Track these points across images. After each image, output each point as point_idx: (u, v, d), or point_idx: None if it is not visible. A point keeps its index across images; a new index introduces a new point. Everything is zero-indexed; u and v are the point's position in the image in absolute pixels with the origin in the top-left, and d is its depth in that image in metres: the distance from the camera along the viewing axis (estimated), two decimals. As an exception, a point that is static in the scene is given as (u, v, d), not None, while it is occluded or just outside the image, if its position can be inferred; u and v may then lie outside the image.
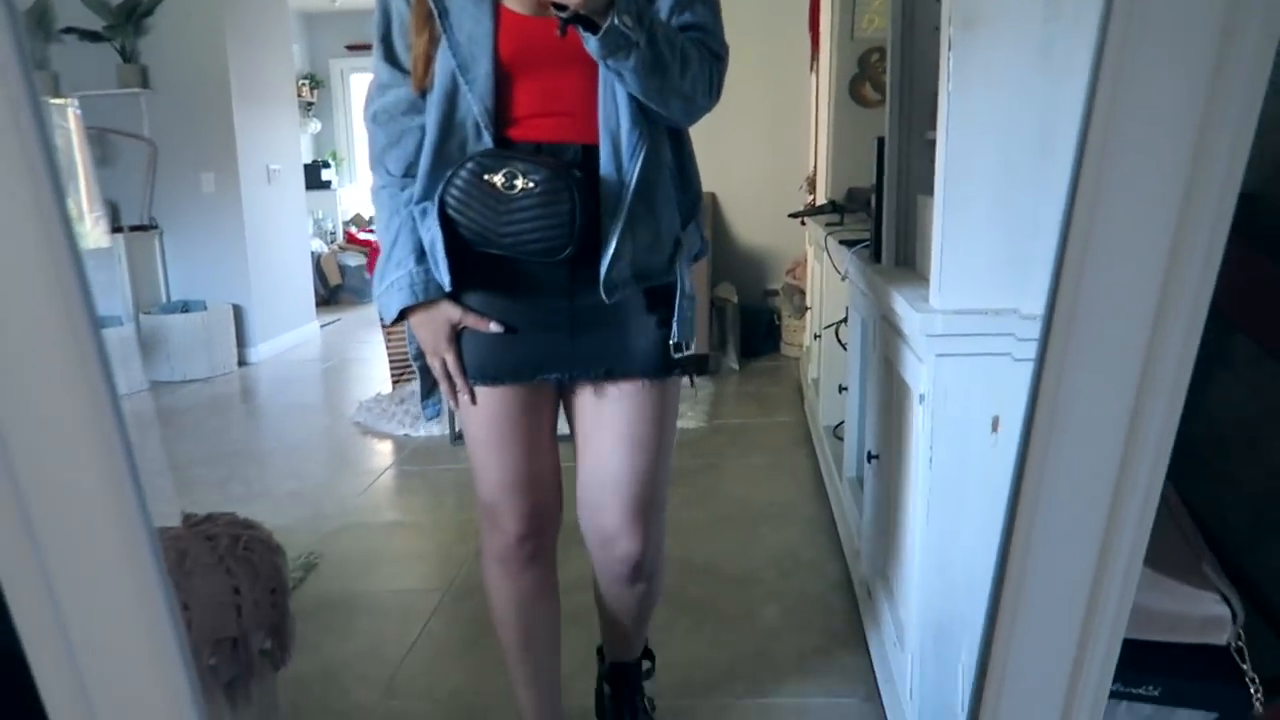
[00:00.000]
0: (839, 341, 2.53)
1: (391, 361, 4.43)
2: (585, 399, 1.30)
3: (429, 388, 1.33)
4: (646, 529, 1.33)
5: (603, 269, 1.17)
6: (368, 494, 3.09)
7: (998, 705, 0.74)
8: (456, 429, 3.60)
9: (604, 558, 1.37)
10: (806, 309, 3.82)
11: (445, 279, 1.20)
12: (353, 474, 3.35)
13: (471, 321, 1.22)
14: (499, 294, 1.22)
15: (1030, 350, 1.17)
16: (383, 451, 3.56)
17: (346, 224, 7.98)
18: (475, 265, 1.20)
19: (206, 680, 1.24)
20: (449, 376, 1.27)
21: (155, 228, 4.95)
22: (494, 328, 1.22)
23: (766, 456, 3.25)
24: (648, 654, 1.65)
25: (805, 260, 3.95)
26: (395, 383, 4.39)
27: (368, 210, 8.38)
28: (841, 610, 2.12)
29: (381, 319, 1.33)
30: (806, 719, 1.74)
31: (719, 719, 1.75)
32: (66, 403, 0.61)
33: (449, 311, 1.23)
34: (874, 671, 1.83)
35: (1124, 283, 0.63)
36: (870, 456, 1.79)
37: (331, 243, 7.61)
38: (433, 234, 1.19)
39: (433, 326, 1.24)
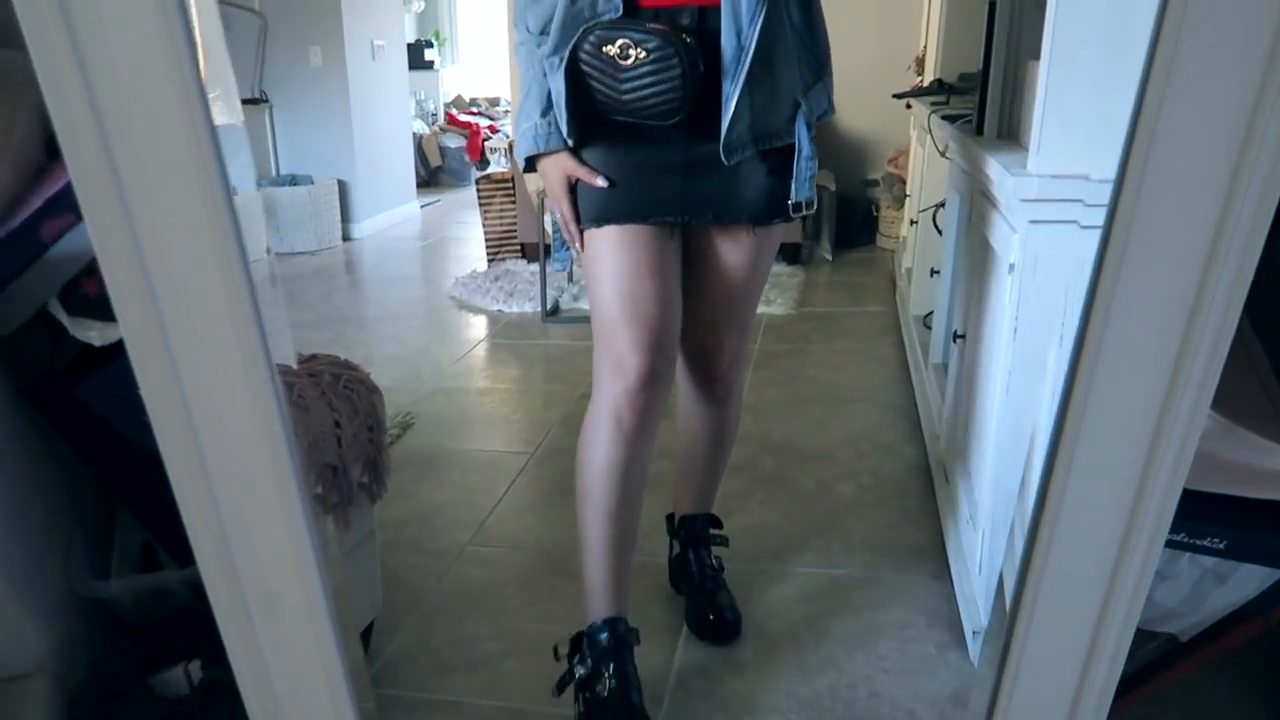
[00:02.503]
0: (935, 226, 2.47)
1: (488, 241, 4.52)
2: (695, 239, 1.39)
3: (561, 242, 1.43)
4: (736, 347, 1.50)
5: (723, 131, 1.22)
6: (462, 362, 3.22)
7: (1050, 546, 0.76)
8: (548, 306, 3.68)
9: (694, 373, 1.53)
10: (906, 197, 3.71)
11: (565, 129, 1.27)
12: (449, 343, 3.48)
13: (583, 175, 1.29)
14: (619, 149, 1.29)
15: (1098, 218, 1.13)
16: (477, 324, 3.68)
17: (448, 105, 8.02)
18: (600, 124, 1.27)
19: (314, 505, 1.34)
20: (567, 224, 1.35)
21: (265, 101, 5.08)
22: (600, 183, 1.28)
23: (853, 343, 3.24)
24: (716, 523, 1.72)
25: (908, 148, 3.81)
26: (491, 261, 4.49)
27: (469, 92, 8.40)
28: (917, 492, 2.14)
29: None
30: (874, 592, 1.78)
31: (788, 585, 1.80)
32: (204, 257, 0.67)
33: (565, 163, 1.30)
34: (945, 551, 1.86)
35: (1203, 121, 0.61)
36: (956, 336, 1.77)
37: (433, 124, 7.68)
38: (559, 88, 1.25)
39: (551, 175, 1.32)
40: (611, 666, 1.36)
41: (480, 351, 3.36)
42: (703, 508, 1.68)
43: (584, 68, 1.22)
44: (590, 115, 1.27)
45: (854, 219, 4.57)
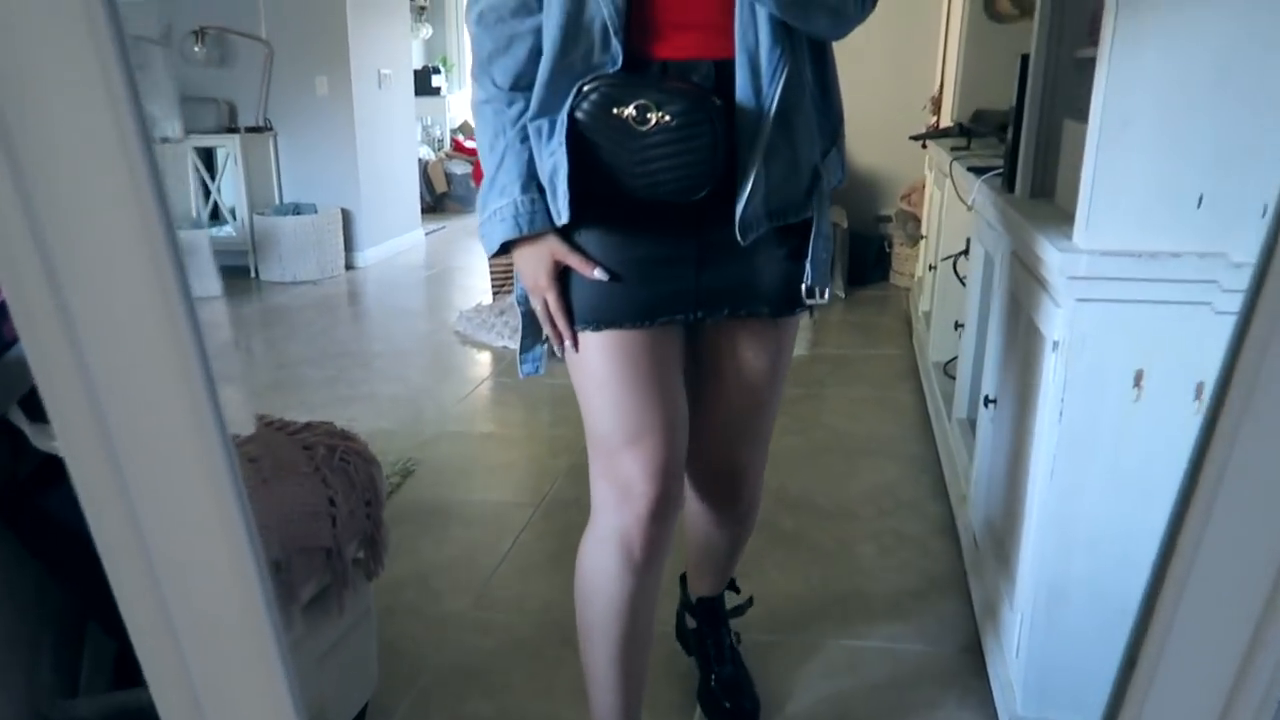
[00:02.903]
0: (956, 275, 2.38)
1: (493, 273, 4.45)
2: (707, 336, 1.21)
3: (531, 339, 1.19)
4: (759, 463, 1.34)
5: (739, 207, 1.04)
6: (466, 403, 3.13)
7: (1145, 701, 0.66)
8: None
9: (711, 487, 1.36)
10: (921, 238, 3.63)
11: (564, 211, 1.05)
12: (452, 382, 3.39)
13: (575, 263, 1.08)
14: (618, 231, 1.08)
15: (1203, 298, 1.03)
16: (481, 362, 3.60)
17: (454, 131, 7.98)
18: (595, 202, 1.06)
19: (285, 591, 1.21)
20: (552, 320, 1.12)
21: (270, 129, 5.03)
22: (598, 275, 1.07)
23: (869, 389, 3.14)
24: (734, 588, 1.63)
25: (923, 186, 3.74)
26: (495, 294, 4.41)
27: (475, 118, 8.36)
28: (942, 555, 2.04)
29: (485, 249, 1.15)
30: (900, 666, 1.69)
31: (808, 658, 1.71)
32: (144, 309, 0.58)
33: (554, 247, 1.08)
34: (974, 621, 1.76)
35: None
36: (987, 401, 1.68)
37: (439, 150, 7.64)
38: (556, 159, 1.04)
39: (534, 263, 1.09)
40: None
41: (484, 391, 3.27)
42: (720, 587, 1.58)
43: (583, 132, 1.01)
44: (583, 190, 1.05)
45: (867, 256, 4.49)
